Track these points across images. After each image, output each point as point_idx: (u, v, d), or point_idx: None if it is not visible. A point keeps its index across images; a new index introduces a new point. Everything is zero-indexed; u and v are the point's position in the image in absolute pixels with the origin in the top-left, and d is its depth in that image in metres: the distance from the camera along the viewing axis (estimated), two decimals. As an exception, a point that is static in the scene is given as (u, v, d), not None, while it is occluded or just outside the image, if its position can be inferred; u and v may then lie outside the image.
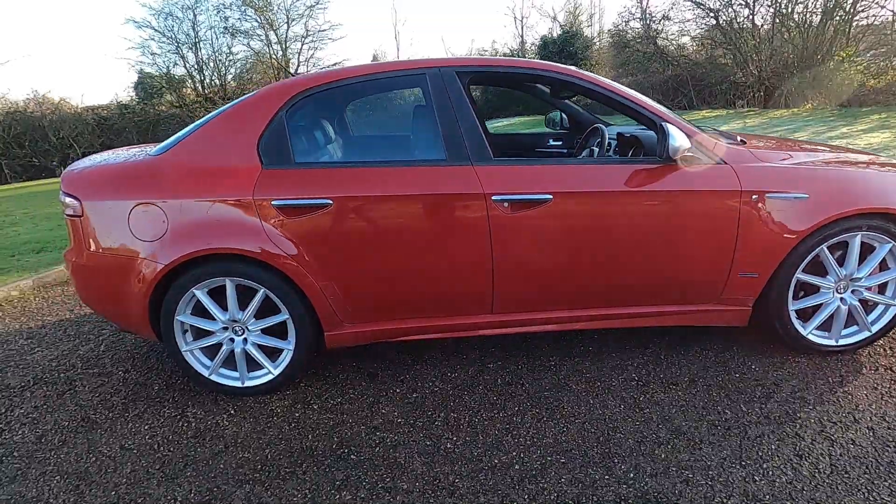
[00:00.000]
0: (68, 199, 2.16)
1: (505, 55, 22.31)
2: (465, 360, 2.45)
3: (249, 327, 2.18)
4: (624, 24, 18.29)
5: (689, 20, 16.97)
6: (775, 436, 1.80)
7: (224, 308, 2.14)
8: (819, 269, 2.17)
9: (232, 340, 2.21)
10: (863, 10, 14.01)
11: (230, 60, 18.49)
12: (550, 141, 3.45)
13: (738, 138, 2.47)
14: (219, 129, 2.15)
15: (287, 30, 19.29)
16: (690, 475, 1.65)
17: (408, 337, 2.27)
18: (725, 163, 2.09)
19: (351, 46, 34.67)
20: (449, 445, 1.87)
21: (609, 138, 2.59)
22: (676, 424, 1.89)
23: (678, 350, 2.40)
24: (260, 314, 2.17)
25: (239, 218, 2.04)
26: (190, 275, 2.07)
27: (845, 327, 2.23)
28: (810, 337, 2.23)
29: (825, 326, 2.24)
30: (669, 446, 1.78)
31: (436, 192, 2.03)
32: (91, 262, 2.15)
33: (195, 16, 17.69)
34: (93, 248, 2.13)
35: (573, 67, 2.27)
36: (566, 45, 18.99)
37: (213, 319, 2.17)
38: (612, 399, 2.07)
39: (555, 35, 19.93)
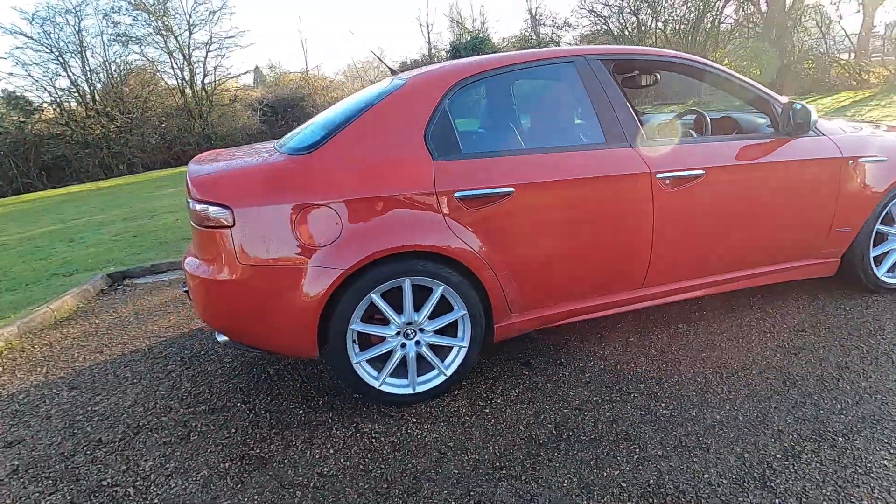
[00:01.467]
0: (212, 209, 1.89)
1: (415, 61, 22.58)
2: (603, 337, 2.54)
3: (425, 328, 2.08)
4: (530, 29, 19.45)
5: (585, 26, 18.54)
6: (911, 358, 2.14)
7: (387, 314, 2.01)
8: (888, 220, 2.60)
9: (403, 346, 2.09)
10: (728, 18, 16.34)
11: (125, 70, 16.48)
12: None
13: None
14: (379, 122, 2.02)
15: (189, 36, 17.70)
16: (883, 398, 1.91)
17: (565, 321, 2.31)
18: (823, 134, 2.42)
19: (259, 54, 32.79)
20: (663, 411, 1.96)
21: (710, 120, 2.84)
22: (834, 362, 2.16)
23: (777, 304, 2.71)
24: (431, 314, 2.08)
25: (421, 213, 1.95)
26: (368, 278, 1.92)
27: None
28: (883, 278, 2.66)
29: (893, 269, 2.68)
30: (846, 379, 2.04)
31: (607, 174, 2.11)
32: (244, 275, 1.90)
33: (79, 20, 15.53)
34: (247, 260, 1.89)
35: (699, 57, 2.48)
36: (476, 50, 19.73)
37: (386, 325, 2.04)
38: (764, 349, 2.30)
39: (464, 41, 20.58)
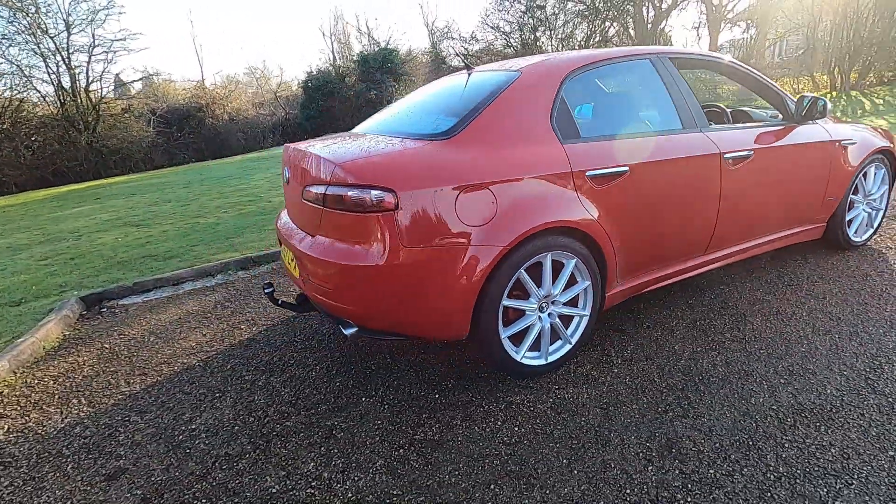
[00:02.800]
0: (375, 193, 1.86)
1: (320, 70, 22.10)
2: (666, 302, 2.87)
3: (561, 300, 2.22)
4: (438, 42, 20.08)
5: (491, 40, 19.64)
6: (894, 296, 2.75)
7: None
8: (855, 190, 3.28)
9: (539, 318, 2.21)
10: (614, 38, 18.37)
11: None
12: None
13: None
14: (510, 109, 2.14)
15: (68, 37, 15.42)
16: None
17: (652, 287, 2.59)
18: (816, 122, 3.01)
19: (155, 59, 29.59)
20: (760, 351, 2.31)
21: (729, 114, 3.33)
22: (854, 301, 2.70)
23: (785, 266, 3.26)
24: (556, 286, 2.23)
25: (562, 191, 2.10)
26: (518, 254, 2.03)
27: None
28: (853, 238, 3.34)
29: (857, 230, 3.38)
30: (872, 311, 2.57)
31: (691, 155, 2.44)
32: (409, 258, 1.90)
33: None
34: (413, 242, 1.89)
35: (731, 57, 2.92)
36: (386, 61, 19.90)
37: (526, 300, 2.15)
38: (799, 297, 2.79)
39: (372, 51, 20.62)
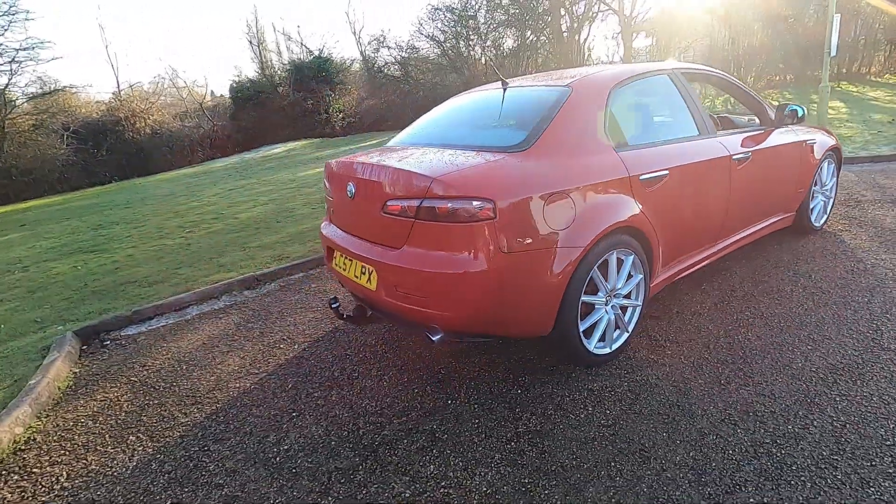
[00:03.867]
0: (476, 203, 1.98)
1: (250, 79, 21.26)
2: (679, 292, 3.20)
3: (622, 293, 2.45)
4: (373, 52, 20.02)
5: (425, 48, 19.89)
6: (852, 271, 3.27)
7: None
8: (815, 182, 3.83)
9: (606, 311, 2.42)
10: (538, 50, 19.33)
11: None
12: None
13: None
14: (570, 122, 2.33)
15: None
16: (881, 284, 2.95)
17: (682, 275, 2.90)
18: (785, 126, 3.49)
19: (61, 69, 26.58)
20: (782, 324, 2.68)
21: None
22: (839, 273, 3.18)
23: (767, 251, 3.73)
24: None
25: (622, 195, 2.33)
26: (593, 254, 2.23)
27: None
28: (815, 223, 3.89)
29: (817, 217, 3.94)
30: (853, 284, 3.05)
31: (711, 158, 2.78)
32: (506, 263, 2.03)
33: None
34: (511, 247, 2.03)
35: (724, 72, 3.31)
36: (321, 70, 19.54)
37: (594, 295, 2.35)
38: (792, 276, 3.23)
39: (306, 59, 20.16)
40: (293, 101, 19.42)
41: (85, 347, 3.42)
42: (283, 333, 3.23)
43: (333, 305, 2.58)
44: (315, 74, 19.42)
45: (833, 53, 7.95)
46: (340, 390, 2.52)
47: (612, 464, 1.86)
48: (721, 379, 2.28)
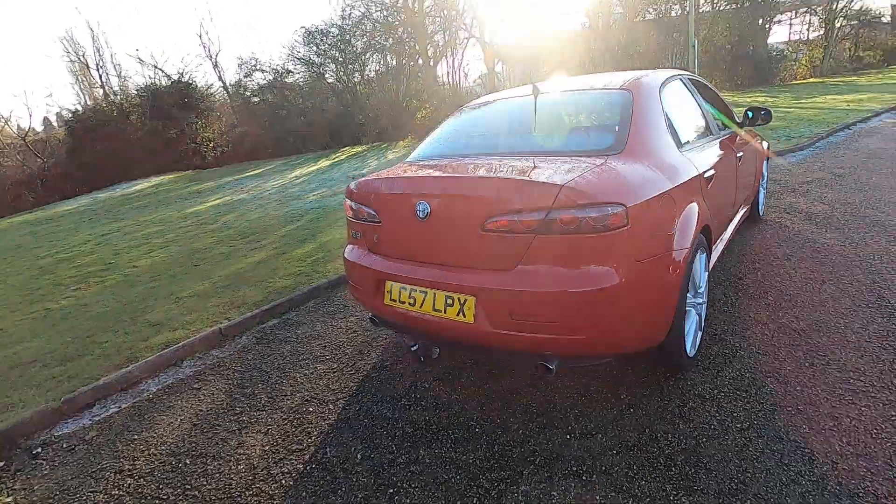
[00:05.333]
0: (612, 209, 1.78)
1: (93, 108, 18.27)
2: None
3: (701, 292, 2.42)
4: (245, 76, 18.59)
5: (301, 72, 19.04)
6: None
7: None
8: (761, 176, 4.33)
9: (695, 313, 2.38)
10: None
11: None
12: None
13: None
14: (646, 123, 2.26)
15: None
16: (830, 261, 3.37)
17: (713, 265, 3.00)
18: (756, 125, 3.88)
19: None
20: (815, 301, 2.91)
21: None
22: (812, 267, 3.57)
23: (744, 236, 4.09)
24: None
25: (698, 193, 2.32)
26: (693, 253, 2.17)
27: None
28: (762, 215, 4.39)
29: (762, 207, 4.44)
30: (833, 271, 3.45)
31: (731, 154, 2.96)
32: (639, 274, 1.85)
33: None
34: (641, 256, 1.87)
35: (702, 78, 3.54)
36: (183, 95, 17.60)
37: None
38: (778, 267, 3.56)
39: (164, 84, 17.99)
40: (152, 131, 17.14)
41: (2, 465, 2.45)
42: (301, 393, 2.65)
43: (413, 348, 2.16)
44: (176, 101, 17.39)
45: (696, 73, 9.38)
46: (429, 447, 2.11)
47: (788, 461, 1.78)
48: (815, 360, 2.35)
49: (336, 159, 15.16)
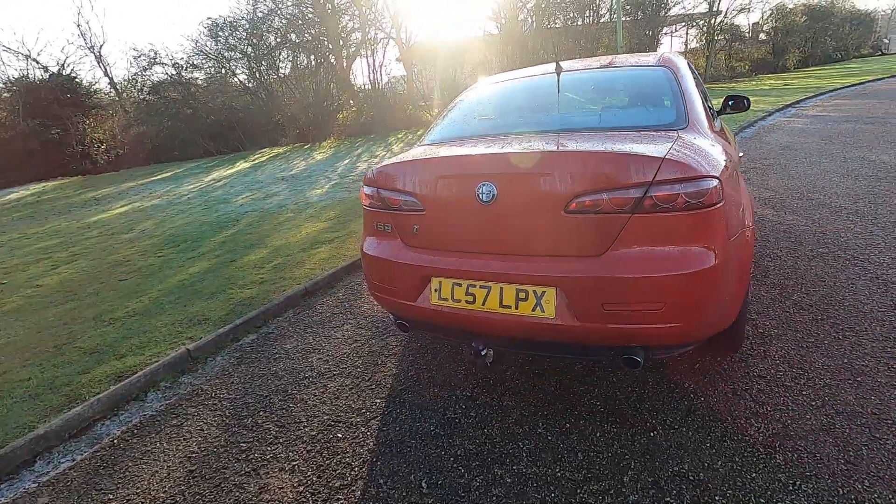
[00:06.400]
0: (711, 184, 1.64)
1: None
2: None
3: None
4: (142, 70, 16.63)
5: (211, 66, 17.45)
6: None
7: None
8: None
9: (739, 293, 2.33)
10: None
11: None
12: None
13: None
14: (694, 99, 2.18)
15: None
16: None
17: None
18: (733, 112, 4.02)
19: None
20: (842, 279, 3.03)
21: None
22: (819, 250, 3.78)
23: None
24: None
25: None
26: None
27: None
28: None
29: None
30: (836, 253, 3.66)
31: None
32: (732, 253, 1.73)
33: None
34: (732, 233, 1.75)
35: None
36: (66, 92, 15.37)
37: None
38: (788, 252, 3.71)
39: (42, 78, 15.58)
40: (26, 132, 14.75)
41: None
42: (319, 417, 2.25)
43: (482, 353, 1.87)
44: (56, 97, 15.13)
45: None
46: (504, 464, 1.84)
47: (883, 441, 1.75)
48: (838, 334, 2.41)
49: (256, 161, 14.08)
